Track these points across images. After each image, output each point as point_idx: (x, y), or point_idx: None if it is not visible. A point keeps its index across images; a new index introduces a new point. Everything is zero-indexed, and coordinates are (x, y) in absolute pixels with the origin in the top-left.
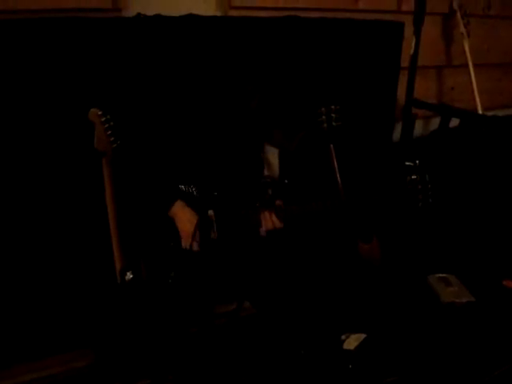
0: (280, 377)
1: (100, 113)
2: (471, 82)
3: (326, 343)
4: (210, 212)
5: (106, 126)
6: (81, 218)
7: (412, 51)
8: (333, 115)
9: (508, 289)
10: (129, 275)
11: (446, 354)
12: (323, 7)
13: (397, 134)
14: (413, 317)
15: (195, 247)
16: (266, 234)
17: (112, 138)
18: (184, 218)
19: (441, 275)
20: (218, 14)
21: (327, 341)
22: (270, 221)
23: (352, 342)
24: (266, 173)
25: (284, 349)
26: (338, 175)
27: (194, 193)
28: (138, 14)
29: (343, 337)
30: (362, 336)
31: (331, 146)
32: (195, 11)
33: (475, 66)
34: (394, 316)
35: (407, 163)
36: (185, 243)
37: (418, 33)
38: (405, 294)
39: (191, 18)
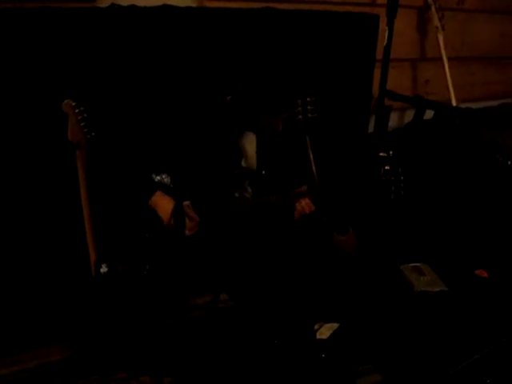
0: (254, 366)
1: (74, 104)
2: (445, 75)
3: (300, 333)
4: (187, 203)
5: (80, 117)
6: (55, 210)
7: (385, 43)
8: (308, 107)
9: (480, 278)
10: (104, 268)
11: (418, 342)
12: None
13: (372, 125)
14: (386, 306)
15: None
16: (299, 217)
17: (86, 130)
18: (166, 206)
19: (414, 264)
20: (194, 4)
21: (301, 330)
22: (305, 205)
23: (325, 331)
24: (243, 164)
25: (258, 339)
26: (313, 166)
27: (168, 183)
28: (112, 5)
29: (316, 326)
30: (335, 325)
31: (307, 137)
32: (170, 2)
33: (449, 59)
34: (368, 305)
35: (381, 154)
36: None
37: (391, 25)
38: (378, 284)
39: (166, 9)
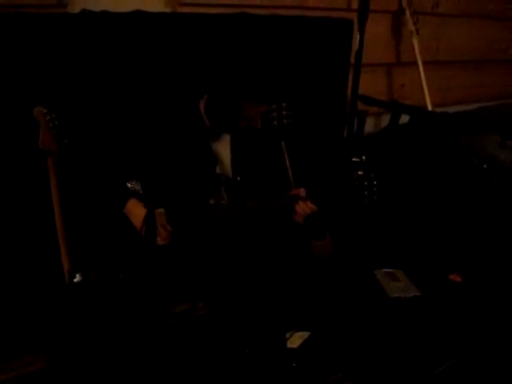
0: (224, 376)
1: (45, 111)
2: (421, 80)
3: (271, 342)
4: (161, 210)
5: (51, 124)
6: (27, 219)
7: (356, 48)
8: (284, 112)
9: (454, 283)
10: (78, 277)
11: (391, 349)
12: (273, 4)
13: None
14: (359, 312)
15: (158, 242)
16: (303, 221)
17: (57, 137)
18: (139, 214)
19: (387, 270)
20: (167, 10)
21: (272, 340)
22: (306, 207)
23: (296, 340)
24: (218, 170)
25: (229, 348)
26: (290, 172)
27: (139, 190)
28: (83, 10)
29: (288, 335)
30: (306, 334)
31: (282, 143)
32: (143, 7)
33: (425, 63)
34: (340, 312)
35: (353, 159)
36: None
37: (362, 29)
38: (351, 289)
39: (139, 15)
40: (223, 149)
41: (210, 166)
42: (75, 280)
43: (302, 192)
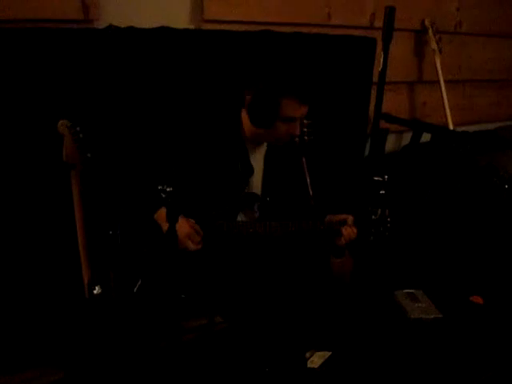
0: None
1: (70, 124)
2: (442, 98)
3: (291, 361)
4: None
5: (75, 137)
6: (49, 231)
7: (380, 67)
8: (305, 129)
9: (475, 304)
10: (97, 289)
11: (412, 370)
12: (297, 22)
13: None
14: (379, 333)
15: (191, 247)
16: (345, 245)
17: (81, 150)
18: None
19: (408, 291)
20: (191, 26)
21: (292, 359)
22: (352, 233)
23: (317, 359)
24: (250, 183)
25: (249, 366)
26: (310, 189)
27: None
28: (110, 26)
29: (308, 354)
30: (327, 354)
31: (303, 159)
32: (168, 24)
33: (447, 82)
34: (361, 332)
35: (376, 178)
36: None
37: (386, 49)
38: (372, 310)
39: (164, 31)
40: (256, 166)
41: (244, 179)
42: (95, 292)
43: (351, 220)
